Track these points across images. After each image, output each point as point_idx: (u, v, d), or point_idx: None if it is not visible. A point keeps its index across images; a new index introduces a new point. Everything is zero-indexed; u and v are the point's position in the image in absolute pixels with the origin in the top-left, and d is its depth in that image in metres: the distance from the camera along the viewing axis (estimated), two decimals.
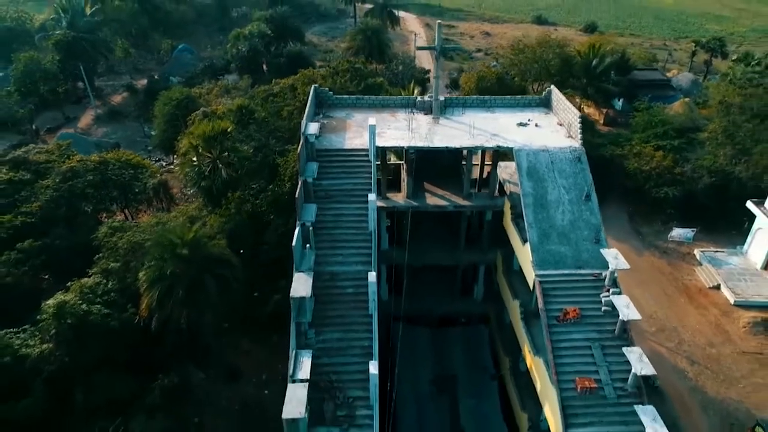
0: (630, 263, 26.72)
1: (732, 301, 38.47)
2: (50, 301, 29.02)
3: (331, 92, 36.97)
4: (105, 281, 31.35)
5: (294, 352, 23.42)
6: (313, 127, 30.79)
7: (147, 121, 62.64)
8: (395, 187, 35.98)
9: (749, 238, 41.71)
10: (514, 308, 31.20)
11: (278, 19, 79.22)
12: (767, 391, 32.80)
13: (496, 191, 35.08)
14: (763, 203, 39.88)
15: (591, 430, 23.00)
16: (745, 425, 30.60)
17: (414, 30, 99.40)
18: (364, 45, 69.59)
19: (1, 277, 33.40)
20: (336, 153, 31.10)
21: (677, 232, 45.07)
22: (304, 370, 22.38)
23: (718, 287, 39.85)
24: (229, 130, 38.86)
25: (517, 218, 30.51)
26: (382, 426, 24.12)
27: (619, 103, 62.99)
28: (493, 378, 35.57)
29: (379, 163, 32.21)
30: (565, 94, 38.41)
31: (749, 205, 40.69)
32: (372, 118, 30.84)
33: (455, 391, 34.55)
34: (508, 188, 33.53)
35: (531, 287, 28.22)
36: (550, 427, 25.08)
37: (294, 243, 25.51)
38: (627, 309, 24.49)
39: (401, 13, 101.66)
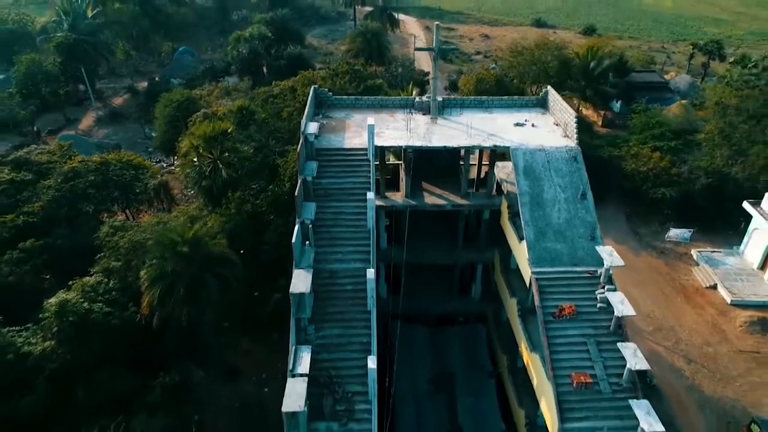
0: (627, 263, 26.97)
1: (728, 301, 38.79)
2: (52, 300, 29.22)
3: (330, 93, 37.18)
4: (106, 280, 31.58)
5: (294, 347, 23.65)
6: (312, 127, 31.08)
7: (148, 122, 62.93)
8: (394, 186, 36.17)
9: (745, 239, 42.04)
10: (512, 306, 31.41)
11: (278, 21, 79.53)
12: (763, 389, 33.03)
13: (494, 190, 35.27)
14: (760, 204, 40.15)
15: (586, 424, 23.24)
16: (741, 423, 30.79)
17: (414, 33, 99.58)
18: (363, 47, 69.80)
19: (4, 276, 33.65)
20: (335, 152, 31.33)
21: (674, 233, 45.35)
22: (304, 365, 22.64)
23: (714, 287, 40.15)
24: (229, 130, 39.23)
25: (514, 217, 30.70)
26: (381, 421, 24.33)
27: (617, 105, 63.19)
28: (490, 376, 35.73)
29: (377, 162, 32.42)
30: (563, 96, 38.51)
31: (745, 205, 41.01)
32: (371, 118, 31.17)
33: (453, 389, 34.69)
34: (506, 187, 33.78)
35: (528, 285, 28.47)
36: (546, 422, 25.28)
37: (294, 240, 25.76)
38: (622, 305, 24.77)
39: (401, 16, 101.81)
